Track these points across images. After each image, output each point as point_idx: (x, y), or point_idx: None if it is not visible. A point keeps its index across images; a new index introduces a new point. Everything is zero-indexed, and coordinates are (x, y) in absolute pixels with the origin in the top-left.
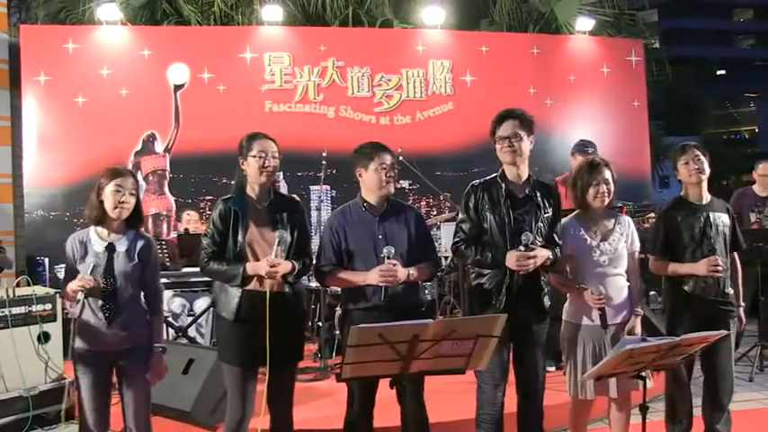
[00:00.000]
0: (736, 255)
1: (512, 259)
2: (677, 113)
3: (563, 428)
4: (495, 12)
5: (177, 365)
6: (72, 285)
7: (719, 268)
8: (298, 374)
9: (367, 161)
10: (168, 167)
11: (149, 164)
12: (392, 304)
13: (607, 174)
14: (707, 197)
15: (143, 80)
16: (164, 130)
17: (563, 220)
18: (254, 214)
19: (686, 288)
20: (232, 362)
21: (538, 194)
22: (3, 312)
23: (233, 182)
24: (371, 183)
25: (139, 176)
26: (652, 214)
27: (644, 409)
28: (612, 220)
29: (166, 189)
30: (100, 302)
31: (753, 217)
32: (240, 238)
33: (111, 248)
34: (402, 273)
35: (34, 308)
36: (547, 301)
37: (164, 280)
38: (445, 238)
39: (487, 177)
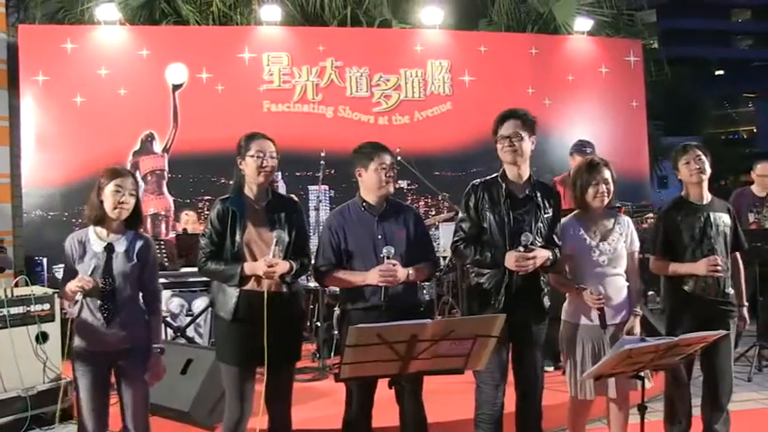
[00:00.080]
0: (737, 254)
1: (511, 260)
2: (676, 114)
3: (561, 428)
4: (493, 12)
5: (175, 365)
6: (71, 285)
7: (719, 268)
8: (296, 374)
9: (367, 161)
10: (167, 167)
11: (148, 164)
12: (391, 304)
13: (606, 174)
14: (707, 197)
15: (141, 80)
16: (162, 130)
17: (562, 220)
18: (252, 214)
19: (686, 288)
20: (230, 361)
21: (538, 195)
22: (1, 312)
23: (231, 182)
24: (371, 183)
25: (138, 176)
26: (650, 214)
27: (642, 408)
28: (612, 220)
29: (165, 189)
30: (98, 302)
31: (751, 217)
32: (238, 238)
33: (109, 248)
34: (402, 273)
35: (32, 308)
36: (546, 302)
37: (162, 280)
38: (444, 238)
39: (488, 177)
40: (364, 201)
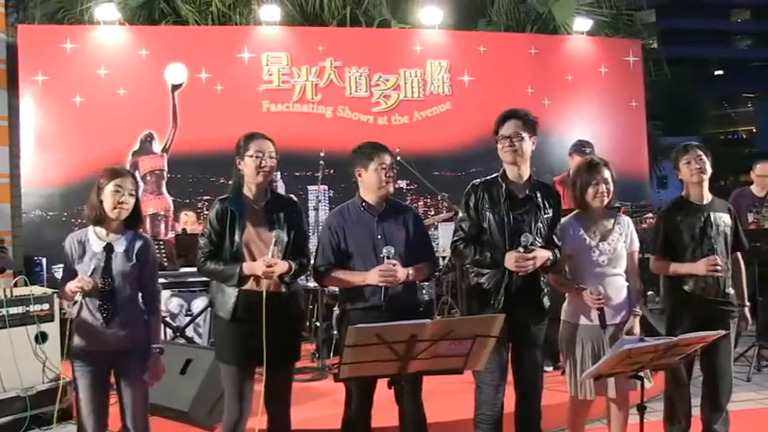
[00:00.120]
0: (738, 254)
1: (510, 260)
2: (675, 114)
3: (561, 428)
4: (492, 12)
5: (175, 365)
6: (71, 286)
7: (719, 268)
8: (295, 374)
9: (367, 161)
10: (166, 167)
11: (147, 164)
12: (390, 304)
13: (606, 173)
14: (708, 197)
15: (141, 80)
16: (161, 130)
17: (562, 220)
18: (251, 214)
19: (686, 288)
20: (229, 361)
21: (538, 195)
22: (0, 312)
23: (231, 182)
24: (371, 183)
25: (137, 176)
26: (650, 214)
27: (642, 408)
28: (612, 220)
29: (164, 189)
30: (97, 302)
31: (750, 217)
32: (237, 238)
33: (109, 249)
34: (402, 273)
35: (32, 308)
36: (546, 302)
37: (161, 280)
38: (443, 238)
39: (488, 177)
40: (364, 201)
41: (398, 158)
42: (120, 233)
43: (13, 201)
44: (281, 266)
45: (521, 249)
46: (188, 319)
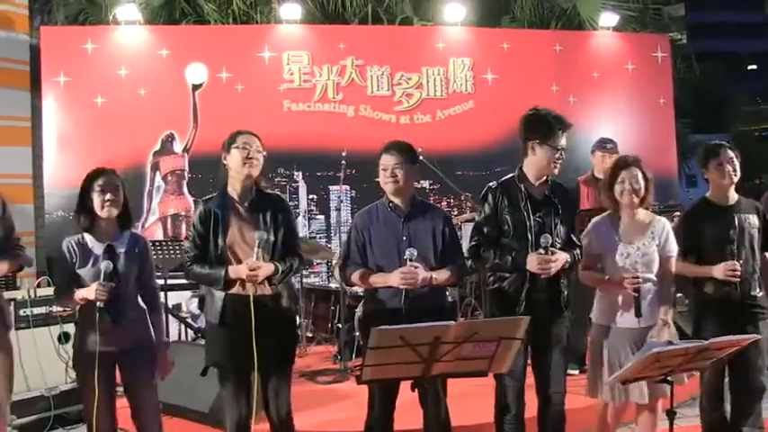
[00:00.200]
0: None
1: (533, 262)
2: (705, 110)
3: None
4: (516, 8)
5: (196, 367)
6: (82, 294)
7: (737, 273)
8: (294, 376)
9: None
10: (187, 167)
11: (168, 164)
12: (411, 307)
13: (634, 171)
14: (734, 197)
15: (161, 80)
16: (182, 130)
17: (594, 219)
18: (235, 215)
19: (707, 290)
20: (218, 366)
21: (555, 196)
22: (24, 312)
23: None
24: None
25: (158, 177)
26: (678, 214)
27: (671, 414)
28: (647, 222)
29: (185, 189)
30: (105, 304)
31: None
32: (221, 241)
33: (110, 250)
34: (423, 276)
35: (55, 308)
36: (566, 304)
37: (183, 281)
38: (466, 238)
39: (504, 178)
40: (390, 201)
41: (421, 158)
42: (118, 234)
43: (36, 201)
44: (266, 269)
45: (542, 251)
46: None
